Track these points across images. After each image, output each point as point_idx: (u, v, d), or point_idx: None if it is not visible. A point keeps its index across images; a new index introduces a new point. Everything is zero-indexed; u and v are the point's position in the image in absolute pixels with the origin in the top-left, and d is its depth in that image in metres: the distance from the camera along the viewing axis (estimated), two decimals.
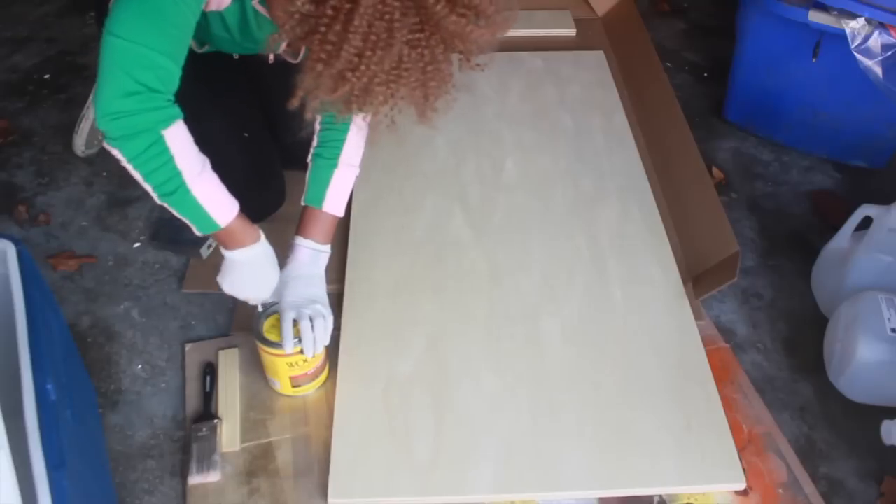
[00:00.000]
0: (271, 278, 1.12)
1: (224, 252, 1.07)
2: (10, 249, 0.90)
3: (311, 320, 1.10)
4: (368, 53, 0.76)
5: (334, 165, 1.14)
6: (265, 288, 1.12)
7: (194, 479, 1.08)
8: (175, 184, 0.94)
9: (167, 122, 0.91)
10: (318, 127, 1.16)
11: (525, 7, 2.04)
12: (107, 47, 0.87)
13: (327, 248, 1.17)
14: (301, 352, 1.10)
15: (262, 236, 1.09)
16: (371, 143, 1.16)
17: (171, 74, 0.91)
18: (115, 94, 0.88)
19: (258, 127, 1.43)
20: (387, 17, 0.74)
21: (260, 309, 1.15)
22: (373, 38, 0.75)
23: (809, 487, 1.10)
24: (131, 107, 0.88)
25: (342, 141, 1.14)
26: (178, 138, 0.93)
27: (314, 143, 1.16)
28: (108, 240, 1.47)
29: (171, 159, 0.92)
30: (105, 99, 0.88)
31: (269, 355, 1.12)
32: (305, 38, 0.79)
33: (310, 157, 1.16)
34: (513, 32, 1.96)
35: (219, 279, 1.10)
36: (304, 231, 1.16)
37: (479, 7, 0.80)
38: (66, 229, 1.49)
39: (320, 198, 1.14)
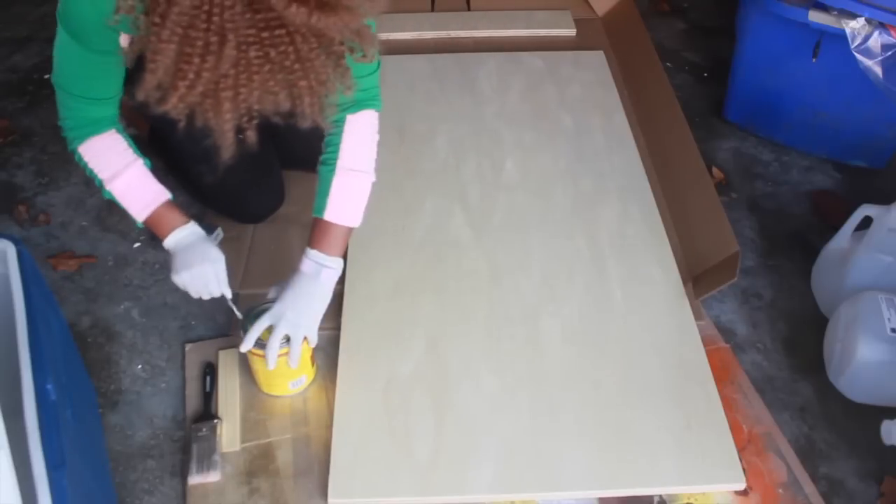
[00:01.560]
0: (204, 258, 1.08)
1: (165, 246, 1.11)
2: (10, 249, 0.90)
3: (286, 339, 1.08)
4: (196, 60, 0.71)
5: (332, 172, 1.11)
6: (205, 273, 1.08)
7: (194, 479, 1.08)
8: (98, 184, 1.07)
9: (78, 142, 1.08)
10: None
11: (525, 7, 2.04)
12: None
13: (333, 262, 1.10)
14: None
15: (191, 222, 1.11)
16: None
17: (86, 109, 1.05)
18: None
19: (255, 127, 1.43)
20: (210, 18, 0.69)
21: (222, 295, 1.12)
22: (198, 42, 0.70)
23: (809, 487, 1.10)
24: (64, 133, 1.09)
25: (338, 145, 1.10)
26: (92, 150, 1.07)
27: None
28: (108, 240, 1.47)
29: (86, 166, 1.07)
30: None
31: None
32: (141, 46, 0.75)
33: (318, 165, 1.14)
34: (513, 32, 1.98)
35: (173, 278, 1.10)
36: (310, 241, 1.11)
37: None
38: (66, 229, 1.49)
39: (322, 207, 1.10)
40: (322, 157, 1.12)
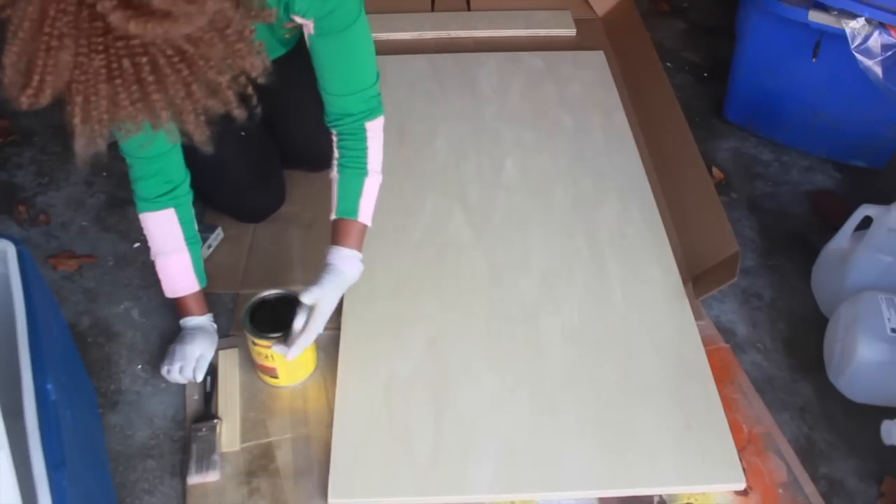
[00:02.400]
0: (197, 347, 1.18)
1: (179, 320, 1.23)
2: (10, 249, 0.90)
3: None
4: (40, 62, 0.68)
5: (364, 174, 1.13)
6: (187, 353, 1.17)
7: (193, 479, 1.08)
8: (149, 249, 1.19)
9: (139, 210, 1.15)
10: (335, 138, 1.16)
11: (525, 7, 2.04)
12: None
13: (361, 258, 1.16)
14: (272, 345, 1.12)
15: (208, 315, 1.23)
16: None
17: (148, 166, 1.11)
18: None
19: (256, 126, 1.43)
20: (53, 23, 0.66)
21: (185, 379, 1.18)
22: (41, 45, 0.67)
23: (809, 487, 1.10)
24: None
25: (364, 150, 1.13)
26: (146, 224, 1.16)
27: (336, 154, 1.15)
28: (108, 240, 1.47)
29: (144, 232, 1.17)
30: None
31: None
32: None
33: (334, 170, 1.15)
34: (513, 32, 1.98)
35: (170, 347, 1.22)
36: (345, 241, 1.13)
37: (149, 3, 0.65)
38: (66, 229, 1.49)
39: (355, 209, 1.13)
40: (342, 161, 1.14)
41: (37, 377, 0.79)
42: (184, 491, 1.08)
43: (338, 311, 1.27)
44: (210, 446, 1.11)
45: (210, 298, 1.35)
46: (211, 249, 1.41)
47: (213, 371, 1.22)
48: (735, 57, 1.74)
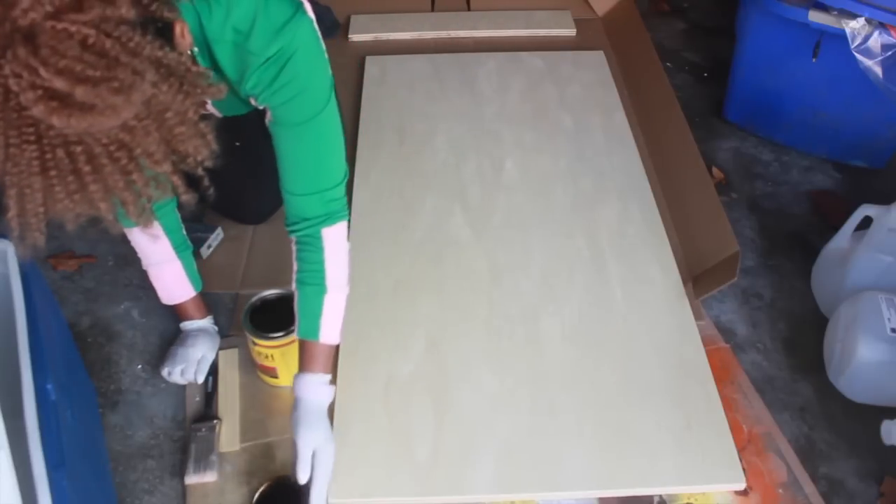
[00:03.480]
0: (201, 346, 1.20)
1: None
2: (11, 249, 0.90)
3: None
4: None
5: (323, 291, 1.01)
6: (187, 357, 1.18)
7: (191, 479, 1.08)
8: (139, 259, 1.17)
9: (126, 226, 1.07)
10: (293, 247, 1.04)
11: (525, 7, 2.04)
12: None
13: (329, 380, 1.03)
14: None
15: (208, 318, 1.24)
16: None
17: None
18: None
19: (252, 133, 1.43)
20: None
21: (185, 381, 1.19)
22: None
23: (809, 487, 1.10)
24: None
25: (321, 262, 1.01)
26: (133, 237, 1.12)
27: (294, 267, 1.04)
28: (108, 240, 1.47)
29: (133, 246, 1.14)
30: None
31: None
32: None
33: (293, 284, 1.04)
34: (513, 32, 1.98)
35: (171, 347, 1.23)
36: (309, 366, 1.02)
37: (64, 91, 0.58)
38: (66, 229, 1.49)
39: (315, 330, 1.01)
40: (299, 276, 1.03)
41: (37, 377, 0.79)
42: (184, 491, 1.08)
43: None
44: (209, 447, 1.11)
45: (210, 298, 1.35)
46: (211, 249, 1.41)
47: (214, 372, 1.22)
48: (735, 57, 1.74)
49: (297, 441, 0.98)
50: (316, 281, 1.02)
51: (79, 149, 0.64)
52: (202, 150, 0.71)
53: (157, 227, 1.12)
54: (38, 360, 0.81)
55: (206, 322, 1.24)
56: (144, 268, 1.17)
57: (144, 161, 0.68)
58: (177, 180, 0.72)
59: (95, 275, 1.41)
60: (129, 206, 0.72)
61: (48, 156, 0.64)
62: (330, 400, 1.03)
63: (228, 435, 1.14)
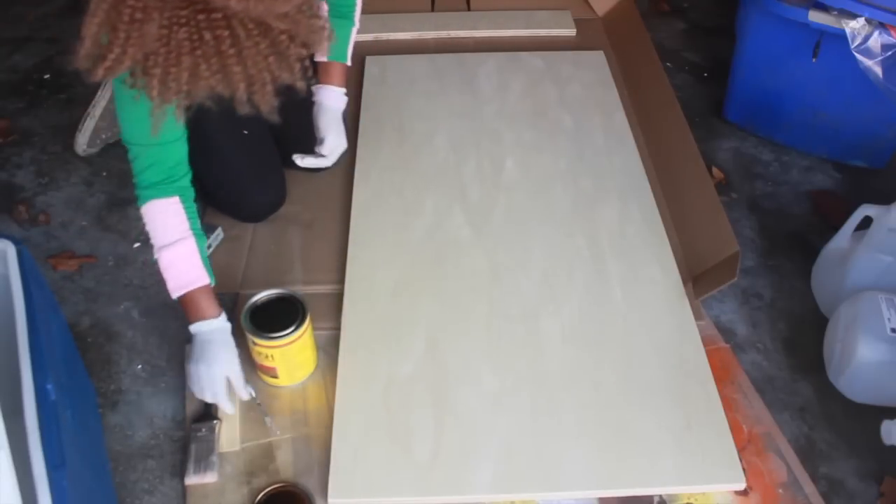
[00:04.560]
0: (222, 360, 1.10)
1: (189, 328, 1.13)
2: (10, 249, 0.90)
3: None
4: (122, 34, 0.73)
5: (352, 24, 1.38)
6: (214, 374, 1.09)
7: (191, 480, 1.08)
8: (152, 246, 1.12)
9: (142, 201, 1.11)
10: None
11: (525, 7, 2.04)
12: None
13: (344, 91, 1.42)
14: None
15: (221, 316, 1.13)
16: None
17: (158, 155, 1.09)
18: None
19: (257, 126, 1.43)
20: None
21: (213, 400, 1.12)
22: (124, 16, 0.71)
23: (809, 487, 1.10)
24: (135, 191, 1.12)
25: (354, 2, 1.37)
26: (150, 213, 1.10)
27: (325, 7, 1.23)
28: (108, 240, 1.47)
29: (146, 226, 1.11)
30: None
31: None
32: None
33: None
34: (513, 32, 1.98)
35: (185, 365, 1.16)
36: (335, 81, 1.40)
37: None
38: (66, 229, 1.49)
39: (344, 53, 1.40)
40: (338, 11, 1.36)
41: (37, 377, 0.79)
42: (184, 491, 1.08)
43: (338, 311, 1.28)
44: (209, 447, 1.11)
45: None
46: (211, 249, 1.41)
47: None
48: (735, 57, 1.74)
49: (326, 136, 1.36)
50: (348, 14, 1.38)
51: (225, 32, 0.72)
52: (318, 40, 0.82)
53: (177, 202, 1.11)
54: (38, 360, 0.81)
55: (222, 322, 1.13)
56: (156, 254, 1.10)
57: (283, 47, 0.77)
58: (298, 67, 0.82)
59: (95, 275, 1.41)
60: (260, 86, 0.79)
61: (196, 37, 0.72)
62: (344, 108, 1.40)
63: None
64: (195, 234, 1.12)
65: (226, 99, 0.81)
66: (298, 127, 1.44)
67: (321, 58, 1.38)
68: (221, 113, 1.35)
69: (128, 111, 1.05)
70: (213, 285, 1.14)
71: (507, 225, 1.43)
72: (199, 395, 1.12)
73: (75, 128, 1.62)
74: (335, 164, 1.52)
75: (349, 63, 1.41)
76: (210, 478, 1.08)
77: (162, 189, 1.10)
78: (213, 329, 1.12)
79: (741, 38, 1.70)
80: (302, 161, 1.35)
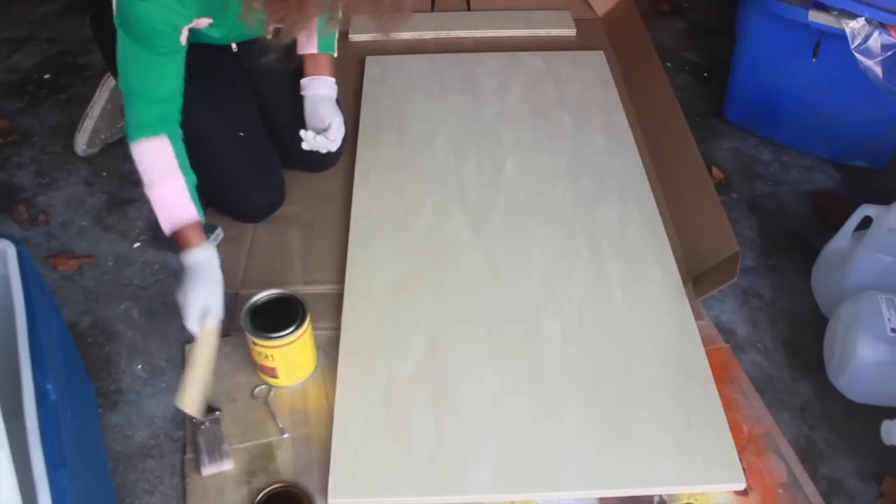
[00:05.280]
0: (210, 286, 1.13)
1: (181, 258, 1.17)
2: (10, 249, 0.90)
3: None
4: None
5: (338, 17, 1.34)
6: (200, 297, 1.11)
7: (208, 470, 1.08)
8: (144, 184, 1.16)
9: (132, 139, 1.16)
10: None
11: (525, 7, 2.04)
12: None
13: (334, 81, 1.43)
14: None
15: (208, 246, 1.17)
16: None
17: (148, 109, 1.15)
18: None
19: (255, 126, 1.43)
20: None
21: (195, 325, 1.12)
22: None
23: (809, 487, 1.10)
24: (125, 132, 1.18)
25: None
26: (140, 152, 1.15)
27: None
28: (108, 240, 1.47)
29: (137, 166, 1.16)
30: None
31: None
32: None
33: None
34: (513, 32, 1.98)
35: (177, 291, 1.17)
36: (325, 71, 1.41)
37: None
38: (66, 229, 1.49)
39: (332, 44, 1.42)
40: None
41: (37, 377, 0.79)
42: (184, 491, 1.08)
43: (338, 312, 1.28)
44: (217, 437, 1.11)
45: None
46: None
47: None
48: (735, 57, 1.74)
49: (332, 122, 1.35)
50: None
51: None
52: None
53: (164, 140, 1.15)
54: (38, 360, 0.81)
55: (209, 253, 1.17)
56: (146, 191, 1.15)
57: None
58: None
59: (95, 275, 1.41)
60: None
61: None
62: (334, 95, 1.42)
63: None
64: (184, 173, 1.17)
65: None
66: (295, 128, 1.45)
67: (310, 50, 1.41)
68: (220, 114, 1.37)
69: (128, 58, 1.12)
70: (203, 221, 1.19)
71: (507, 225, 1.43)
72: (184, 318, 1.13)
73: (75, 128, 1.62)
74: (336, 166, 1.53)
75: (336, 54, 1.44)
76: (227, 465, 1.09)
77: (152, 128, 1.15)
78: (198, 261, 1.15)
79: (741, 38, 1.70)
80: (314, 140, 1.34)
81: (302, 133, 1.35)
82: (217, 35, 1.23)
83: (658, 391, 1.17)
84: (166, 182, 1.16)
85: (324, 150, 1.37)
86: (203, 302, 1.12)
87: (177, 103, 1.19)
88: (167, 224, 1.16)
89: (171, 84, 1.17)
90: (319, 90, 1.40)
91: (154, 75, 1.14)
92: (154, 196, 1.16)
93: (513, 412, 1.14)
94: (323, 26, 1.38)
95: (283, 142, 1.46)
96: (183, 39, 1.13)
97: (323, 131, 1.35)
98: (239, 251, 1.41)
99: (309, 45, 1.42)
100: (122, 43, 1.11)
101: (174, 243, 1.18)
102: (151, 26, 1.07)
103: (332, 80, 1.42)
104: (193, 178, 1.19)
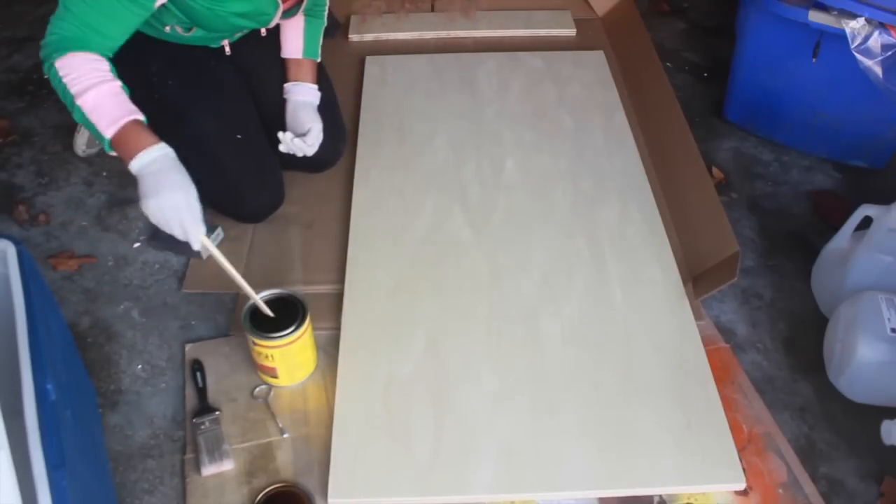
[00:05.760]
0: (177, 185, 1.04)
1: (130, 170, 1.07)
2: (10, 249, 0.90)
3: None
4: None
5: (322, 22, 1.45)
6: (173, 201, 1.03)
7: (209, 471, 1.08)
8: (69, 102, 1.08)
9: (59, 54, 1.07)
10: None
11: (525, 7, 2.04)
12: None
13: (317, 88, 1.45)
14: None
15: (162, 143, 1.08)
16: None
17: (83, 35, 1.08)
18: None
19: (253, 127, 1.43)
20: None
21: (198, 241, 1.06)
22: None
23: (809, 487, 1.10)
24: (43, 51, 1.10)
25: (325, 3, 1.44)
26: (69, 64, 1.07)
27: (304, 6, 1.36)
28: (108, 240, 1.48)
29: (60, 81, 1.07)
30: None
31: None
32: None
33: (300, 16, 1.39)
34: (513, 32, 1.98)
35: (141, 206, 1.06)
36: (308, 77, 1.43)
37: None
38: (66, 229, 1.49)
39: (315, 51, 1.45)
40: (311, 11, 1.41)
41: (37, 377, 0.79)
42: (184, 491, 1.08)
43: (338, 312, 1.28)
44: (218, 437, 1.12)
45: (210, 298, 1.35)
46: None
47: (201, 367, 1.22)
48: (735, 57, 1.74)
49: (312, 127, 1.37)
50: (320, 14, 1.44)
51: None
52: None
53: (97, 56, 1.09)
54: (38, 360, 0.81)
55: (164, 147, 1.07)
56: (78, 101, 1.06)
57: None
58: None
59: (95, 275, 1.41)
60: None
61: None
62: (316, 102, 1.43)
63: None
64: (119, 80, 1.10)
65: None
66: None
67: (294, 55, 1.44)
68: (217, 117, 1.37)
69: None
70: (144, 120, 1.10)
71: (507, 225, 1.43)
72: (166, 229, 1.06)
73: (75, 128, 1.62)
74: (336, 166, 1.53)
75: (318, 59, 1.47)
76: (227, 465, 1.09)
77: (82, 46, 1.07)
78: (158, 157, 1.06)
79: (741, 38, 1.70)
80: (291, 142, 1.34)
81: (280, 135, 1.35)
82: (221, 8, 1.21)
83: (658, 391, 1.17)
84: (103, 85, 1.06)
85: (300, 154, 1.37)
86: (185, 197, 1.05)
87: (111, 49, 1.11)
88: (111, 125, 1.05)
89: (120, 31, 1.10)
90: (301, 96, 1.43)
91: (112, 15, 1.07)
92: (88, 102, 1.05)
93: (513, 412, 1.14)
94: (317, 29, 1.39)
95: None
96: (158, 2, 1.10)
97: (302, 135, 1.36)
98: (239, 251, 1.41)
99: (294, 50, 1.45)
100: None
101: (120, 156, 1.07)
102: None
103: (315, 86, 1.44)
104: (127, 88, 1.11)
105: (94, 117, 1.06)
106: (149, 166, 1.05)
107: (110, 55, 1.13)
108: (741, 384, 1.23)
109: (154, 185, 1.04)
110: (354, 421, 1.13)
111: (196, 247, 1.07)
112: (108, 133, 1.06)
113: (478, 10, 2.03)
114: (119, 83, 1.10)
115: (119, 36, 1.13)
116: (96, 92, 1.06)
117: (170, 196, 1.04)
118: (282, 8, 1.30)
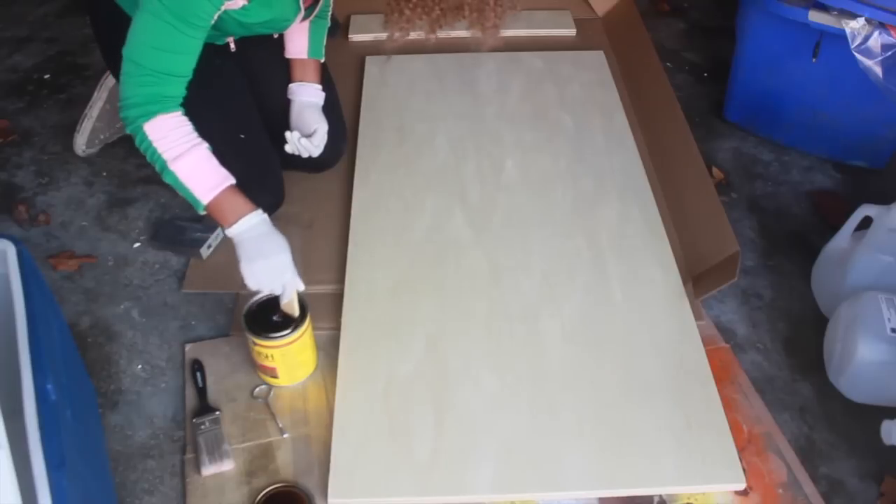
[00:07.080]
0: (280, 248, 1.11)
1: (227, 233, 1.12)
2: (10, 249, 0.90)
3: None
4: None
5: (327, 23, 1.47)
6: (278, 263, 1.09)
7: (208, 471, 1.08)
8: (160, 166, 1.10)
9: (146, 118, 1.09)
10: None
11: (525, 7, 2.03)
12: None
13: (321, 87, 1.45)
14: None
15: (259, 209, 1.13)
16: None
17: (160, 85, 1.10)
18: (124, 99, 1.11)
19: (255, 128, 1.43)
20: None
21: (278, 293, 1.11)
22: None
23: (809, 487, 1.10)
24: (127, 113, 1.11)
25: (329, 3, 1.45)
26: (159, 129, 1.09)
27: (318, 8, 1.37)
28: (108, 240, 1.48)
29: (150, 145, 1.09)
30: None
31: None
32: None
33: (306, 20, 1.38)
34: (513, 32, 1.98)
35: (241, 268, 1.11)
36: (313, 78, 1.44)
37: None
38: (66, 229, 1.49)
39: (320, 51, 1.46)
40: (318, 13, 1.39)
41: (37, 377, 0.79)
42: (184, 491, 1.08)
43: (338, 312, 1.28)
44: (218, 437, 1.12)
45: (210, 298, 1.35)
46: (211, 249, 1.41)
47: (201, 367, 1.22)
48: (735, 57, 1.74)
49: (318, 128, 1.38)
50: (324, 15, 1.44)
51: None
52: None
53: (181, 115, 1.12)
54: (38, 360, 0.81)
55: (261, 213, 1.12)
56: (170, 166, 1.09)
57: None
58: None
59: (95, 275, 1.41)
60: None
61: None
62: (321, 103, 1.44)
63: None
64: (204, 141, 1.13)
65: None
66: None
67: (299, 55, 1.44)
68: (220, 116, 1.37)
69: (153, 28, 1.07)
70: (235, 184, 1.14)
71: (507, 225, 1.43)
72: (264, 290, 1.11)
73: (75, 128, 1.62)
74: (336, 166, 1.53)
75: (322, 59, 1.47)
76: (227, 465, 1.09)
77: (166, 105, 1.10)
78: (258, 222, 1.12)
79: (741, 38, 1.70)
80: (298, 142, 1.35)
81: (287, 135, 1.35)
82: (248, 19, 1.22)
83: (658, 391, 1.17)
84: (193, 151, 1.10)
85: (305, 154, 1.38)
86: (283, 278, 1.10)
87: (186, 85, 1.14)
88: (207, 192, 1.10)
89: (191, 62, 1.12)
90: (307, 97, 1.43)
91: (181, 50, 1.10)
92: (183, 169, 1.09)
93: (513, 412, 1.14)
94: (321, 30, 1.39)
95: (281, 144, 1.46)
96: (214, 18, 1.12)
97: (308, 136, 1.37)
98: None
99: (299, 50, 1.44)
100: (147, 20, 1.07)
101: (214, 217, 1.12)
102: None
103: (320, 87, 1.44)
104: (211, 147, 1.15)
105: (190, 183, 1.10)
106: (248, 231, 1.11)
107: (185, 93, 1.14)
108: (741, 384, 1.23)
109: (258, 249, 1.10)
110: (354, 421, 1.13)
111: (285, 300, 1.13)
112: (206, 199, 1.10)
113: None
114: (206, 145, 1.12)
115: (191, 69, 1.13)
116: (189, 158, 1.09)
117: (275, 259, 1.10)
118: (302, 12, 1.31)
